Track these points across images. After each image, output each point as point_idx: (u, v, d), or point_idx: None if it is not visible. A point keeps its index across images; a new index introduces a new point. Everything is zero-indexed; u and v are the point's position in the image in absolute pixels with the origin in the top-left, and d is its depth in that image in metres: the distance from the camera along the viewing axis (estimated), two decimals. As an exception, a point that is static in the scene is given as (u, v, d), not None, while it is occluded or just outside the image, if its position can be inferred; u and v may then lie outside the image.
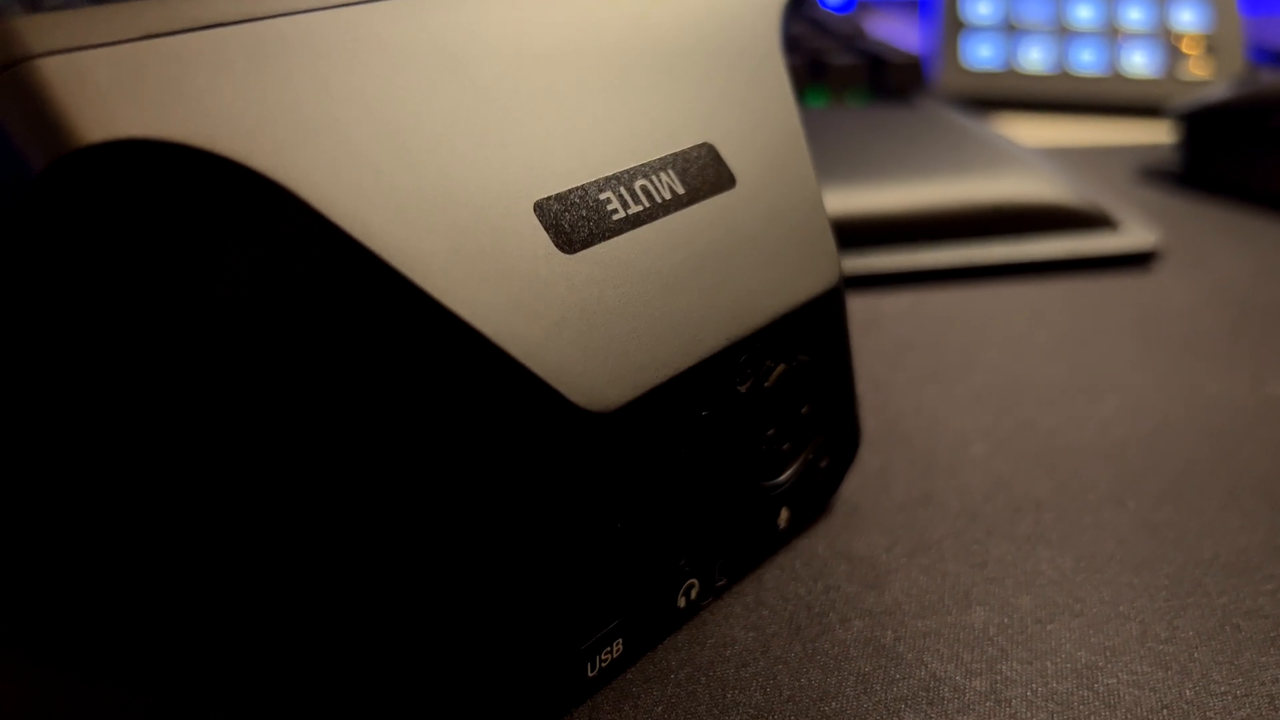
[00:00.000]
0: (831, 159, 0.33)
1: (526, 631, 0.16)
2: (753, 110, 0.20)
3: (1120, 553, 0.21)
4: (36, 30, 0.13)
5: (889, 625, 0.19)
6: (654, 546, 0.17)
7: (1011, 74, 0.51)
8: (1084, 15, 0.51)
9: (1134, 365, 0.28)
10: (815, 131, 0.20)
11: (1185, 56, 0.51)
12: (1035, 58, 0.51)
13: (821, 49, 0.44)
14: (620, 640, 0.17)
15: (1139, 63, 0.51)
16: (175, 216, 0.14)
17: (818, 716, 0.17)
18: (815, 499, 0.21)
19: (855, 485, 0.22)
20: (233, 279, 0.14)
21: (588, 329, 0.15)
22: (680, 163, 0.18)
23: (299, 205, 0.14)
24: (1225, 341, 0.29)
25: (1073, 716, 0.17)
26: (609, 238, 0.16)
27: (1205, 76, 0.50)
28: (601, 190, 0.17)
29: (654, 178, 0.17)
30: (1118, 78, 0.51)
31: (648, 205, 0.17)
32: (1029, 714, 0.17)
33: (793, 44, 0.44)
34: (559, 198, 0.16)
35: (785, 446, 0.19)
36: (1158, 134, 0.47)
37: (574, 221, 0.16)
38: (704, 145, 0.18)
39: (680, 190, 0.18)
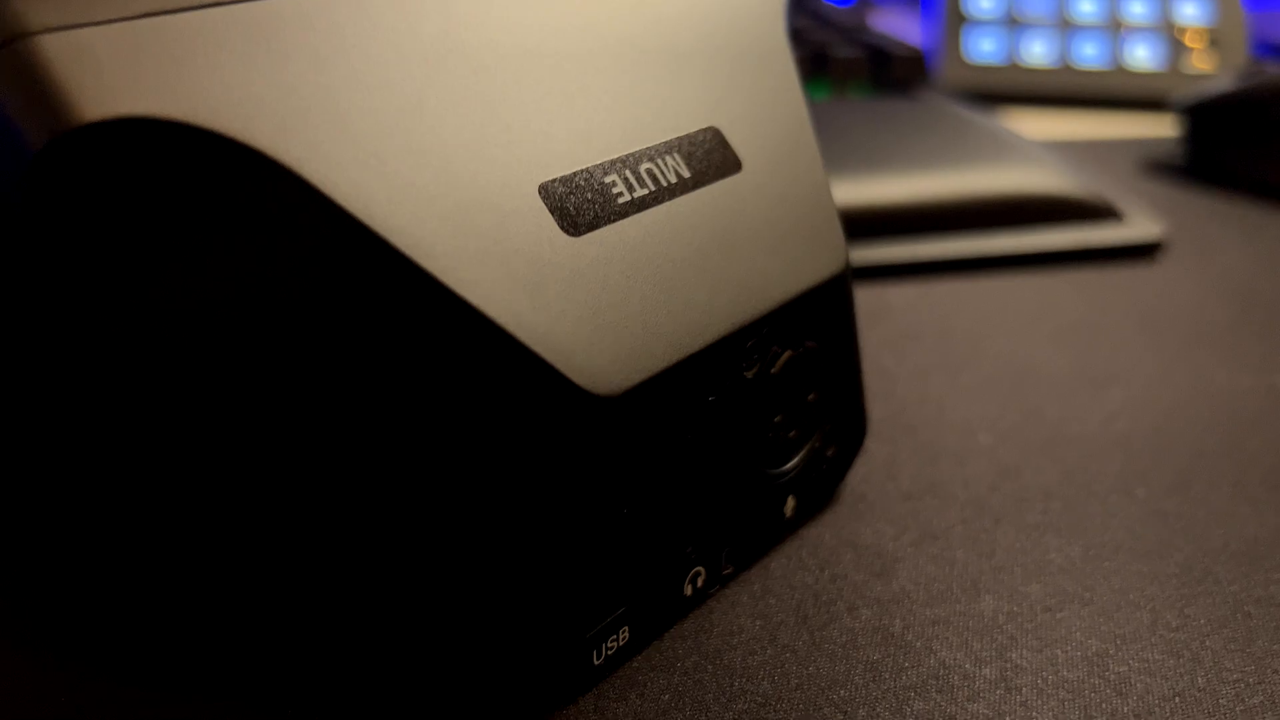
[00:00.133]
0: (836, 150, 0.33)
1: (532, 619, 0.16)
2: (758, 95, 0.19)
3: (1129, 541, 0.21)
4: (35, 7, 0.13)
5: (897, 614, 0.19)
6: (660, 533, 0.17)
7: (1014, 68, 0.51)
8: (1086, 9, 0.51)
9: (1140, 356, 0.28)
10: (819, 123, 0.20)
11: (1188, 50, 0.51)
12: (1037, 51, 0.51)
13: (823, 42, 0.44)
14: (626, 628, 0.17)
15: (1142, 56, 0.51)
16: (175, 196, 0.14)
17: (826, 705, 0.17)
18: (822, 488, 0.21)
19: (861, 474, 0.22)
20: (234, 259, 0.14)
21: (593, 312, 0.15)
22: (686, 146, 0.18)
23: (301, 185, 0.13)
24: (1231, 332, 0.29)
25: (1084, 704, 0.17)
26: (614, 221, 0.16)
27: (1208, 70, 0.50)
28: (606, 173, 0.16)
29: (659, 161, 0.17)
30: (1120, 71, 0.50)
31: (653, 189, 0.17)
32: (1040, 702, 0.17)
33: (795, 37, 0.44)
34: (564, 180, 0.16)
35: (792, 434, 0.19)
36: (1161, 128, 0.47)
37: (579, 204, 0.16)
38: (710, 129, 0.18)
39: (686, 174, 0.17)
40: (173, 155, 0.13)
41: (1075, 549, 0.20)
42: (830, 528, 0.21)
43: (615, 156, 0.17)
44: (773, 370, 0.18)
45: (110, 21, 0.13)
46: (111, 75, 0.13)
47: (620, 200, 0.16)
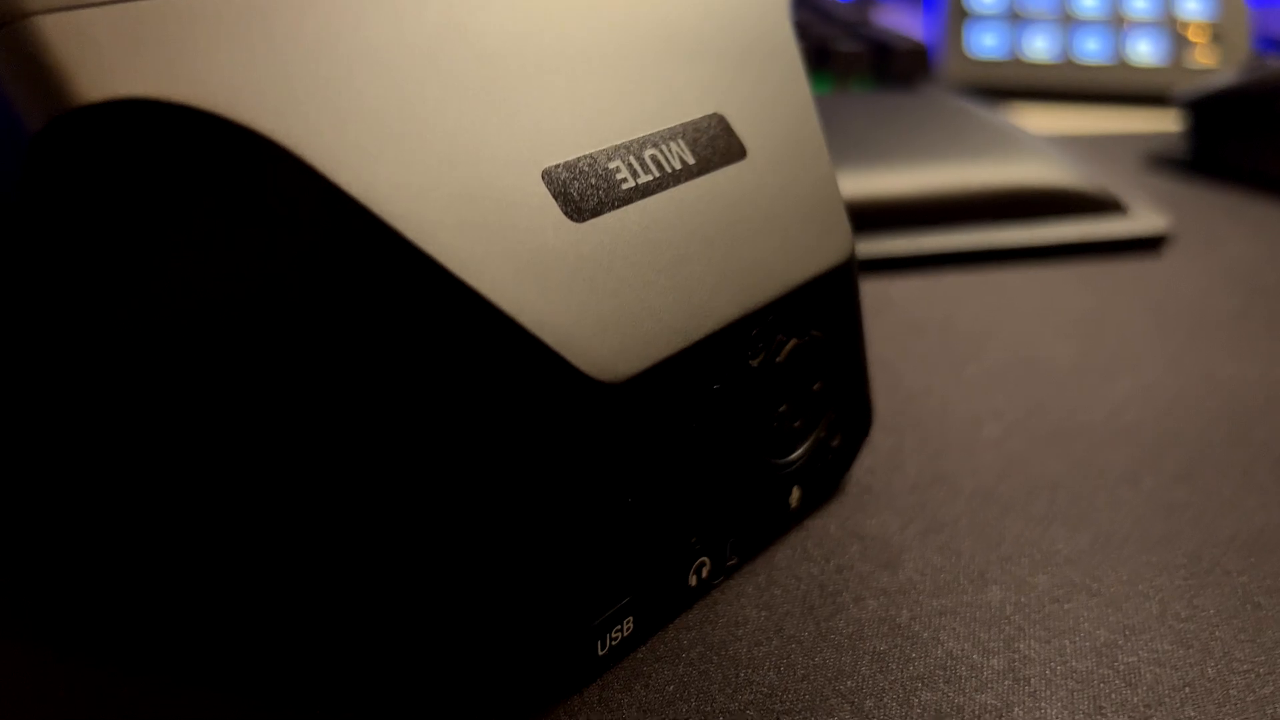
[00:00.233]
0: (840, 143, 0.33)
1: (536, 608, 0.16)
2: (763, 83, 0.19)
3: (1137, 532, 0.20)
4: (34, -13, 0.13)
5: (904, 604, 0.18)
6: (665, 523, 0.17)
7: (1016, 63, 0.50)
8: (1089, 3, 0.51)
9: (1146, 347, 0.28)
10: (823, 117, 0.20)
11: (1190, 45, 0.51)
12: (1040, 46, 0.51)
13: (826, 36, 0.44)
14: (631, 618, 0.17)
15: (1144, 51, 0.51)
16: (175, 178, 0.14)
17: (833, 696, 0.17)
18: (827, 478, 0.20)
19: (867, 466, 0.22)
20: (234, 243, 0.14)
21: (597, 298, 0.15)
22: (690, 133, 0.18)
23: (302, 168, 0.13)
24: (1237, 324, 0.29)
25: (1093, 694, 0.17)
26: (618, 207, 0.16)
27: (1210, 65, 0.50)
28: (610, 159, 0.16)
29: (664, 147, 0.17)
30: (1123, 66, 0.50)
31: (657, 175, 0.17)
32: (1048, 692, 0.17)
33: (797, 31, 0.44)
34: (567, 166, 0.16)
35: (797, 424, 0.19)
36: (1164, 122, 0.47)
37: (583, 190, 0.16)
38: (714, 116, 0.18)
39: (690, 160, 0.17)
40: (172, 138, 0.13)
41: (1083, 539, 0.20)
42: (836, 519, 0.21)
43: (619, 142, 0.17)
44: (778, 359, 0.18)
45: (110, 3, 0.13)
46: (111, 57, 0.13)
47: (624, 186, 0.16)
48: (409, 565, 0.16)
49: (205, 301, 0.15)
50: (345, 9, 0.15)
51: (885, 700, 0.17)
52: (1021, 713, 0.16)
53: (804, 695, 0.17)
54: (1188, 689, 0.17)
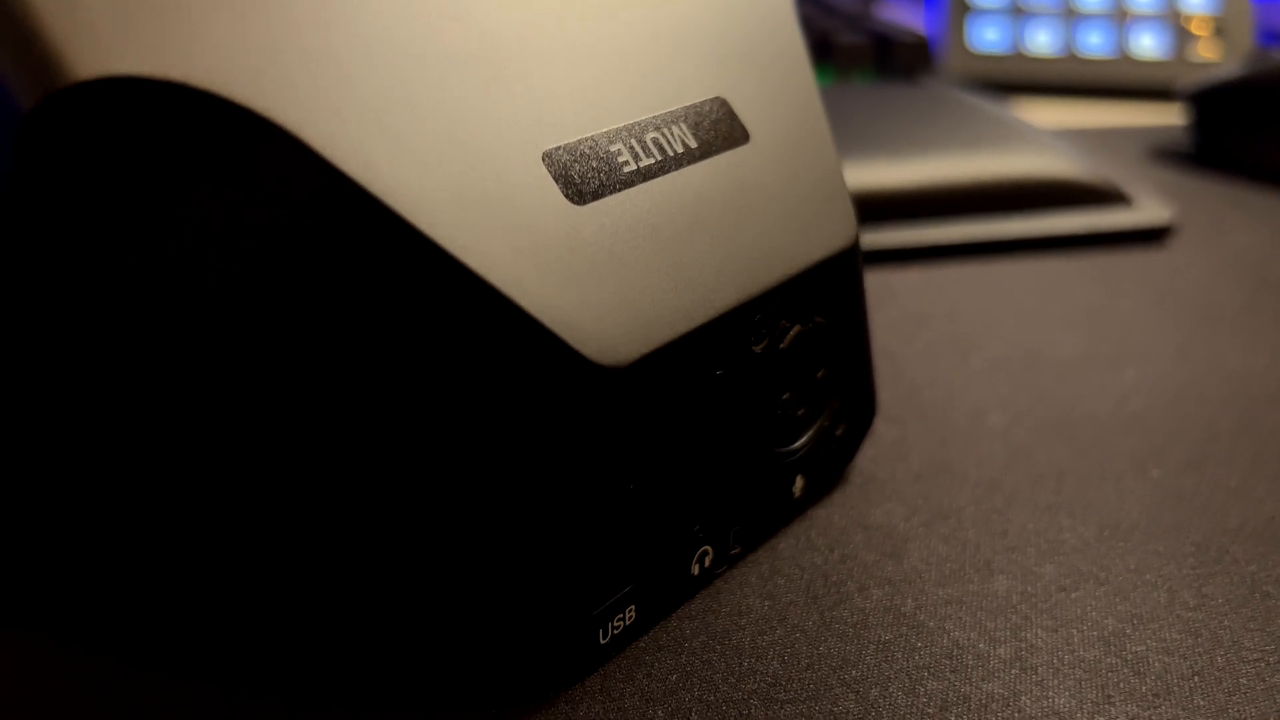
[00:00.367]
0: (843, 135, 0.33)
1: (537, 596, 0.15)
2: (766, 68, 0.19)
3: (1145, 521, 0.20)
4: (26, -37, 0.12)
5: (909, 593, 0.18)
6: (667, 510, 0.16)
7: (1019, 57, 0.50)
8: (1091, -3, 0.51)
9: (1152, 337, 0.27)
10: (826, 108, 0.20)
11: (1194, 38, 0.50)
12: (1042, 40, 0.50)
13: (828, 29, 0.44)
14: (633, 607, 0.17)
15: (1147, 45, 0.50)
16: (170, 158, 0.13)
17: (838, 685, 0.16)
18: (831, 467, 0.20)
19: (871, 455, 0.22)
20: (230, 224, 0.14)
21: (599, 282, 0.15)
22: (693, 116, 0.17)
23: (300, 148, 0.13)
24: (1243, 314, 0.29)
25: (1101, 683, 0.17)
26: (620, 190, 0.16)
27: (1214, 59, 0.50)
28: (612, 141, 0.16)
29: (666, 130, 0.17)
30: (1126, 60, 0.50)
31: (659, 158, 0.17)
32: (1056, 681, 0.17)
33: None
34: (568, 148, 0.16)
35: (800, 412, 0.19)
36: (1167, 116, 0.47)
37: (583, 172, 0.16)
38: (717, 99, 0.18)
39: (693, 144, 0.17)
40: (167, 117, 0.13)
41: (1089, 529, 0.20)
42: (840, 508, 0.20)
43: (621, 125, 0.16)
44: (781, 345, 0.18)
45: (103, -20, 0.13)
46: (105, 34, 0.12)
47: (626, 169, 0.16)
48: (408, 553, 0.16)
49: (201, 283, 0.14)
50: (343, -12, 0.15)
51: (890, 689, 0.16)
52: (1029, 701, 0.16)
53: (808, 685, 0.16)
54: (1196, 678, 0.17)
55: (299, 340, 0.15)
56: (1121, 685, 0.17)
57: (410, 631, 0.16)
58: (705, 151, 0.17)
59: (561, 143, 0.16)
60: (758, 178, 0.18)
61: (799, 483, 0.19)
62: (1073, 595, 0.18)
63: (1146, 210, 0.33)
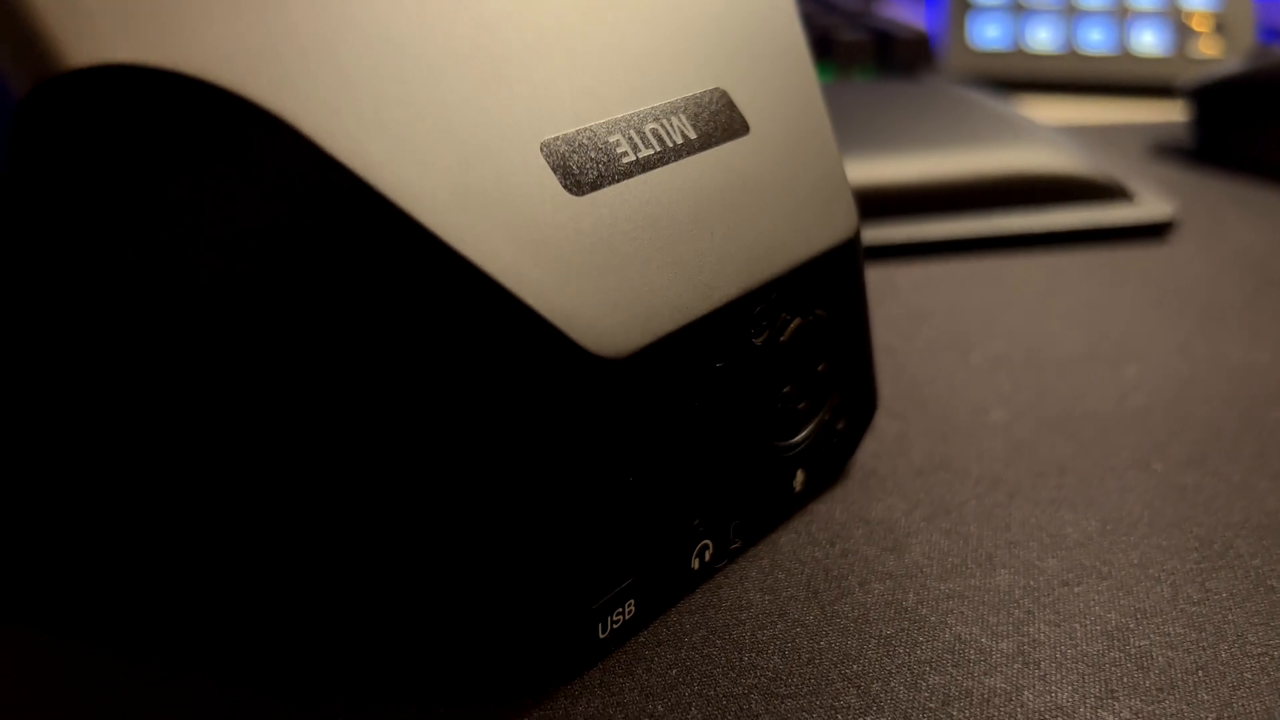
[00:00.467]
0: (844, 130, 0.33)
1: (536, 590, 0.15)
2: (766, 59, 0.19)
3: (1147, 516, 0.20)
4: (19, -50, 0.12)
5: (910, 588, 0.18)
6: (667, 504, 0.16)
7: (1019, 54, 0.50)
8: (1092, -6, 0.51)
9: (1154, 333, 0.27)
10: (828, 105, 0.19)
11: (1195, 35, 0.50)
12: (1043, 37, 0.50)
13: (829, 26, 0.43)
14: (632, 601, 0.16)
15: (1148, 42, 0.50)
16: (166, 148, 0.13)
17: (839, 679, 0.16)
18: (831, 462, 0.20)
19: (871, 451, 0.22)
20: (226, 216, 0.14)
21: (598, 273, 0.15)
22: (692, 107, 0.17)
23: (296, 137, 0.13)
24: (1246, 309, 0.29)
25: (1105, 678, 0.16)
26: (618, 181, 0.16)
27: (1215, 55, 0.50)
28: (610, 132, 0.16)
29: (665, 121, 0.17)
30: (1127, 57, 0.50)
31: (658, 149, 0.16)
32: (1059, 675, 0.16)
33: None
34: (566, 139, 0.15)
35: (801, 405, 0.19)
36: (1167, 113, 0.47)
37: (582, 163, 0.15)
38: (717, 90, 0.18)
39: (692, 135, 0.17)
40: (163, 106, 0.13)
41: (1092, 523, 0.20)
42: (840, 503, 0.20)
43: (619, 115, 0.16)
44: (782, 338, 0.17)
45: (97, -33, 0.13)
46: (100, 21, 0.12)
47: (625, 160, 0.16)
48: (406, 547, 0.15)
49: (197, 273, 0.14)
50: (339, -23, 0.14)
51: (892, 684, 0.16)
52: (1031, 696, 0.16)
53: (808, 679, 0.16)
54: (1201, 672, 0.17)
55: (294, 332, 0.14)
56: (1125, 680, 0.16)
57: (408, 626, 0.16)
58: (705, 143, 0.17)
59: (560, 133, 0.15)
60: (758, 169, 0.18)
61: (800, 477, 0.19)
62: (1075, 590, 0.18)
63: (1148, 206, 0.33)
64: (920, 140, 0.33)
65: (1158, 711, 0.16)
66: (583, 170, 0.15)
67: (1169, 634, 0.17)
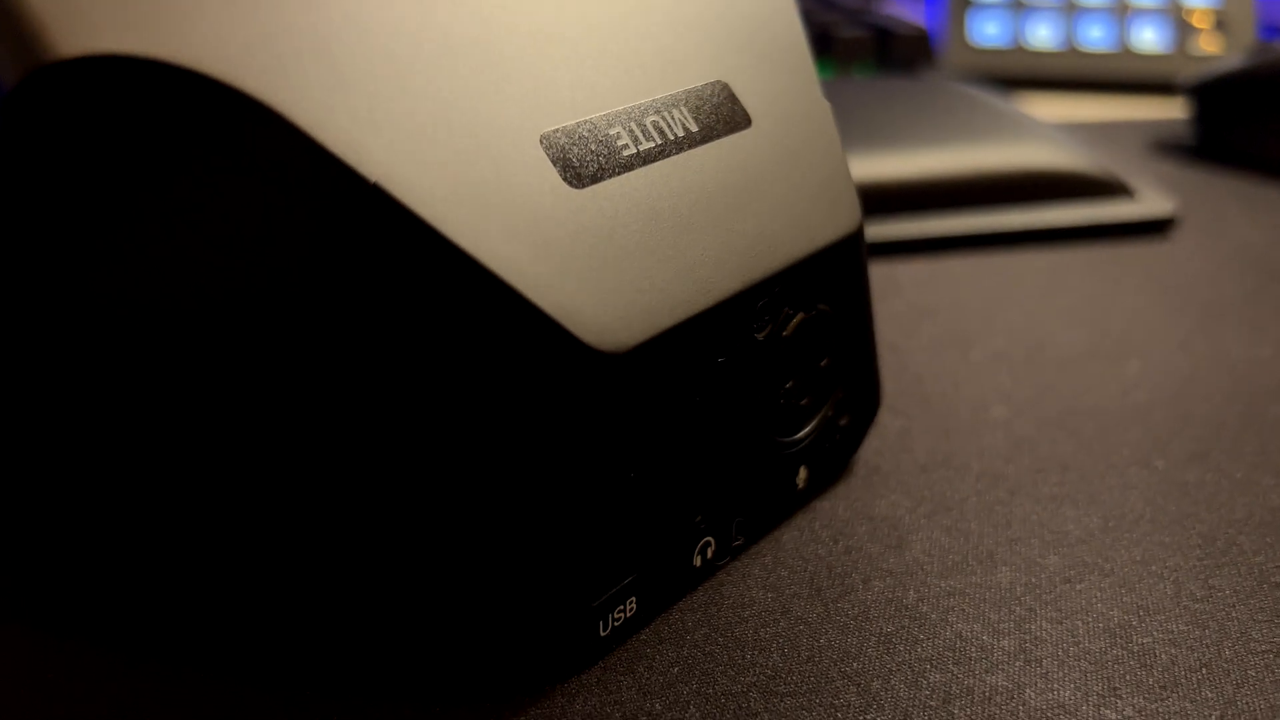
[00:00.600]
0: (847, 127, 0.32)
1: (536, 588, 0.15)
2: (768, 53, 0.19)
3: (1150, 512, 0.20)
4: (12, -62, 0.12)
5: (911, 585, 0.18)
6: (669, 500, 0.16)
7: (1019, 51, 0.50)
8: (1092, -9, 0.50)
9: (1156, 329, 0.27)
10: (829, 100, 0.19)
11: (1195, 32, 0.50)
12: (1043, 34, 0.50)
13: (828, 22, 0.43)
14: (634, 599, 0.16)
15: (1149, 38, 0.50)
16: (156, 140, 0.13)
17: (839, 677, 0.16)
18: (834, 459, 0.20)
19: (874, 447, 0.22)
20: (218, 208, 0.14)
21: (598, 266, 0.15)
22: (694, 100, 0.17)
23: (290, 130, 0.13)
24: (1248, 306, 0.28)
25: (1107, 676, 0.16)
26: (619, 174, 0.16)
27: (1215, 52, 0.50)
28: (611, 125, 0.16)
29: (666, 114, 0.17)
30: (1127, 53, 0.50)
31: (659, 142, 0.16)
32: (1061, 673, 0.16)
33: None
34: (566, 131, 0.15)
35: (804, 401, 0.18)
36: (1168, 110, 0.47)
37: (582, 156, 0.15)
38: (719, 83, 0.18)
39: (694, 128, 0.17)
40: (154, 97, 0.13)
41: (1093, 520, 0.20)
42: (843, 500, 0.20)
43: (620, 108, 0.16)
44: (784, 333, 0.17)
45: (91, -45, 0.12)
46: (91, 10, 0.12)
47: (625, 153, 0.16)
48: (405, 544, 0.15)
49: (190, 266, 0.14)
50: (337, -33, 0.14)
51: (893, 682, 0.16)
52: (1033, 694, 0.16)
53: (809, 677, 0.16)
54: (1204, 670, 0.16)
55: (289, 327, 0.14)
56: (1128, 677, 0.16)
57: (408, 624, 0.16)
58: (706, 135, 0.17)
59: (559, 125, 0.15)
60: (760, 162, 0.17)
61: (802, 473, 0.19)
62: (1077, 587, 0.18)
63: (1149, 202, 0.33)
64: (921, 137, 0.33)
65: (1160, 709, 0.16)
66: (583, 163, 0.15)
67: (1172, 631, 0.17)
